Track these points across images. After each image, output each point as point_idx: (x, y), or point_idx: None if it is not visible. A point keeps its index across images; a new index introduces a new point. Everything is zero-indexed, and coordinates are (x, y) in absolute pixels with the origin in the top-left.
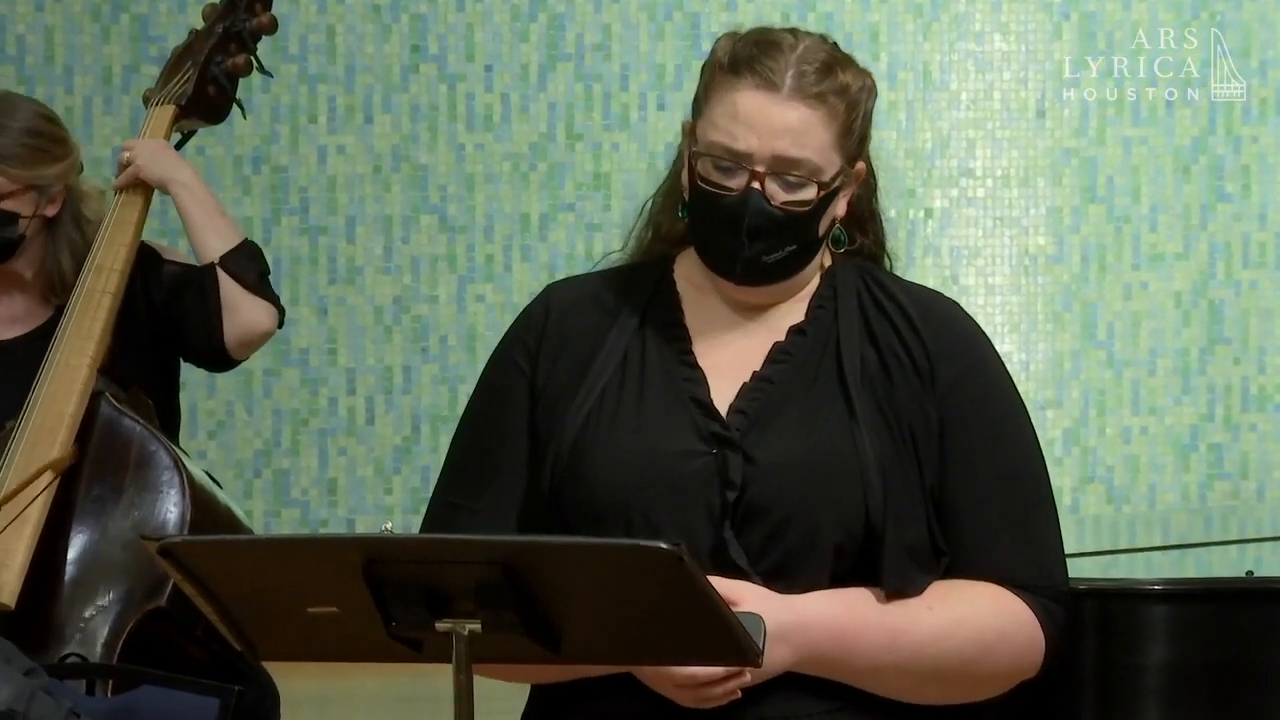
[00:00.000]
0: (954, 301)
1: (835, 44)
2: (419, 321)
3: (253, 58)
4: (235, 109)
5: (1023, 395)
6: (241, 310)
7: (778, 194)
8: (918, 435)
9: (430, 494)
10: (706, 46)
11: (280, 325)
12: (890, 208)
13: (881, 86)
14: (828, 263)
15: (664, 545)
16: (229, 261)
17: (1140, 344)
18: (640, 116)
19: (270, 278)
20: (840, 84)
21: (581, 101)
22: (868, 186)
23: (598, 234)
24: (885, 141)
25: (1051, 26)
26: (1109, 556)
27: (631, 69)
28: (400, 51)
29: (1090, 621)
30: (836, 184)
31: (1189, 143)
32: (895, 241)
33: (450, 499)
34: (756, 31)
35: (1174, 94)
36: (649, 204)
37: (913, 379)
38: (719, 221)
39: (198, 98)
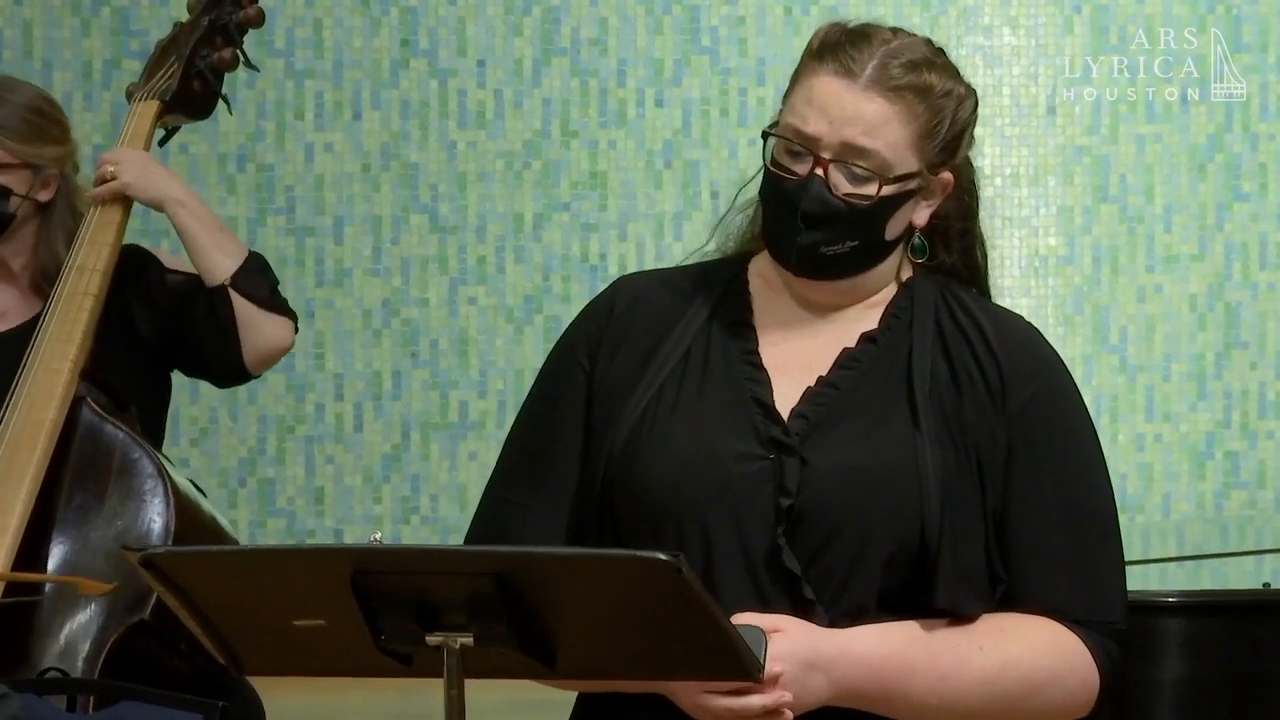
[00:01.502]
0: (1035, 327)
1: (940, 49)
2: (409, 325)
3: (239, 52)
4: (220, 105)
5: None
6: (259, 328)
7: (842, 184)
8: (983, 455)
9: (420, 504)
10: (706, 41)
11: (296, 331)
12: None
13: None
14: (908, 274)
15: (662, 555)
16: (240, 280)
17: (1154, 348)
18: (638, 113)
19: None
20: (924, 83)
21: (577, 97)
22: (961, 203)
23: (594, 234)
24: None
25: (1063, 20)
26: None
27: (629, 64)
28: (390, 46)
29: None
30: (911, 186)
31: (1204, 140)
32: (997, 274)
33: (502, 494)
34: (853, 25)
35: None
36: (740, 194)
37: (983, 397)
38: (780, 205)
39: (182, 93)
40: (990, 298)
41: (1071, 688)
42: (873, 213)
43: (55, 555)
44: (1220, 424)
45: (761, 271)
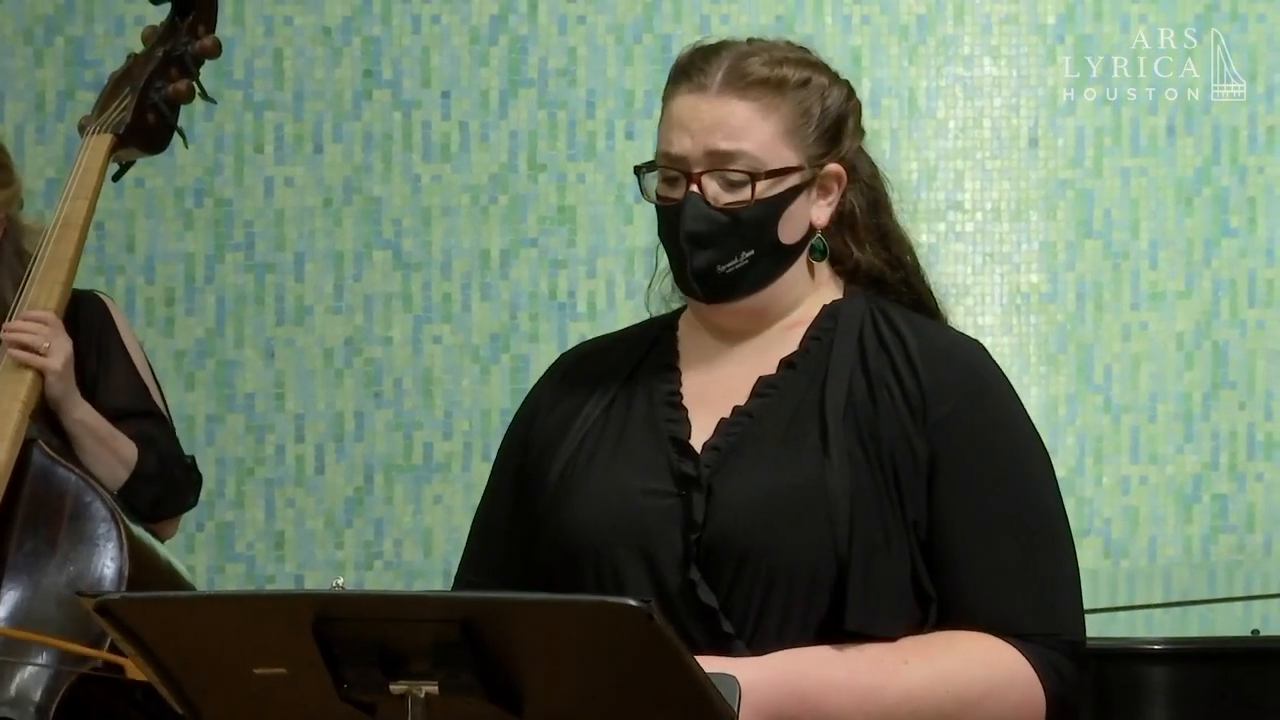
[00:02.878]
0: (968, 338)
1: (801, 47)
2: (372, 364)
3: (195, 83)
4: (176, 138)
5: None
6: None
7: (720, 195)
8: (901, 469)
9: (383, 548)
10: None
11: (197, 497)
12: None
13: (864, 114)
14: (832, 290)
15: (633, 602)
16: (128, 492)
17: (1140, 388)
18: (608, 145)
19: (171, 473)
20: (779, 76)
21: (545, 130)
22: (870, 199)
23: (562, 271)
24: None
25: (1045, 50)
26: (1106, 614)
27: (598, 95)
28: (352, 77)
29: (1087, 683)
30: (793, 182)
31: (1192, 173)
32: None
33: (466, 575)
34: (697, 44)
35: (1177, 122)
36: (658, 258)
37: (901, 410)
38: (668, 236)
39: (136, 126)
40: (934, 300)
41: (1012, 702)
42: (759, 216)
43: (6, 602)
44: (1208, 466)
45: (689, 318)
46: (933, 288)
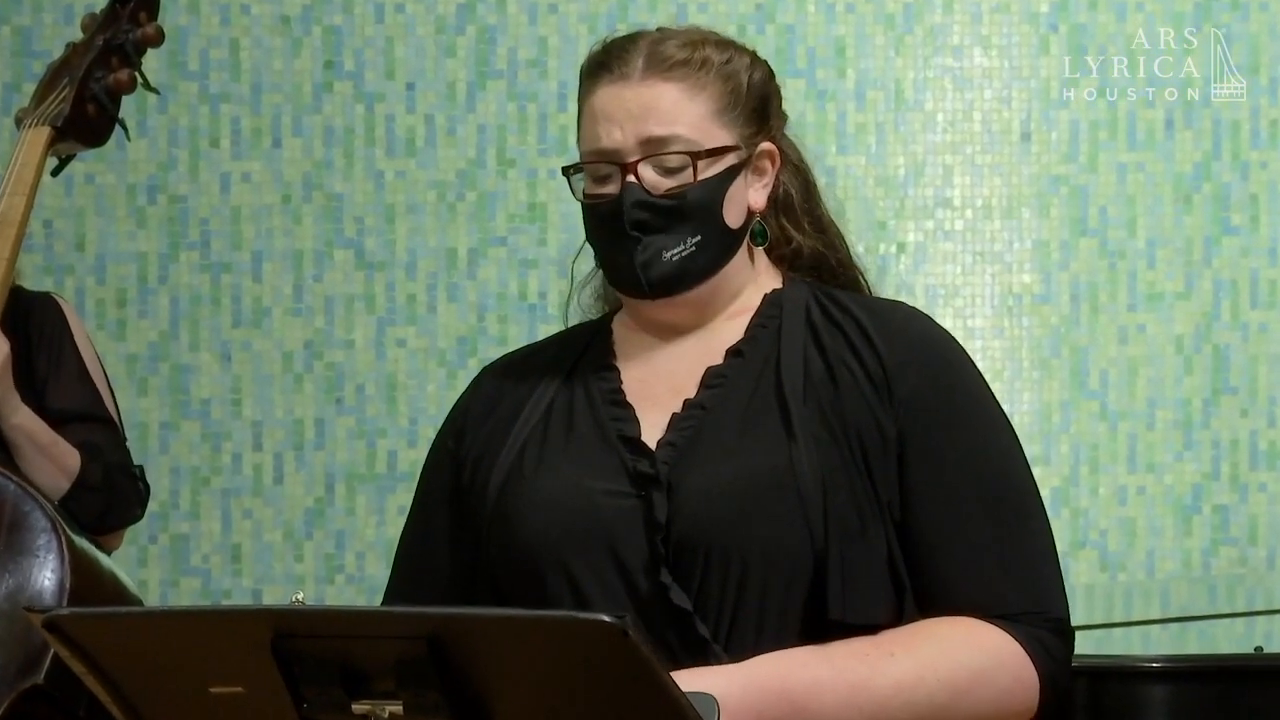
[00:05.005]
0: (919, 310)
1: (712, 31)
2: (333, 369)
3: (137, 73)
4: (118, 131)
5: None
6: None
7: (659, 183)
8: (869, 448)
9: (345, 562)
10: None
11: (144, 509)
12: (859, 241)
13: (849, 107)
14: (771, 279)
15: (606, 618)
16: (71, 502)
17: (1137, 394)
18: None
19: (115, 481)
20: (701, 56)
21: (515, 124)
22: (799, 180)
23: (532, 271)
24: (853, 168)
25: (1038, 40)
26: (1102, 630)
27: (570, 88)
28: (312, 68)
29: (1082, 702)
30: (731, 161)
31: (1191, 169)
32: (859, 255)
33: (392, 601)
34: (608, 38)
35: (1175, 116)
36: (573, 268)
37: (865, 387)
38: (607, 232)
39: (75, 118)
40: (868, 285)
41: (1004, 685)
42: (702, 199)
43: None
44: (1208, 475)
45: (622, 318)
46: (864, 273)
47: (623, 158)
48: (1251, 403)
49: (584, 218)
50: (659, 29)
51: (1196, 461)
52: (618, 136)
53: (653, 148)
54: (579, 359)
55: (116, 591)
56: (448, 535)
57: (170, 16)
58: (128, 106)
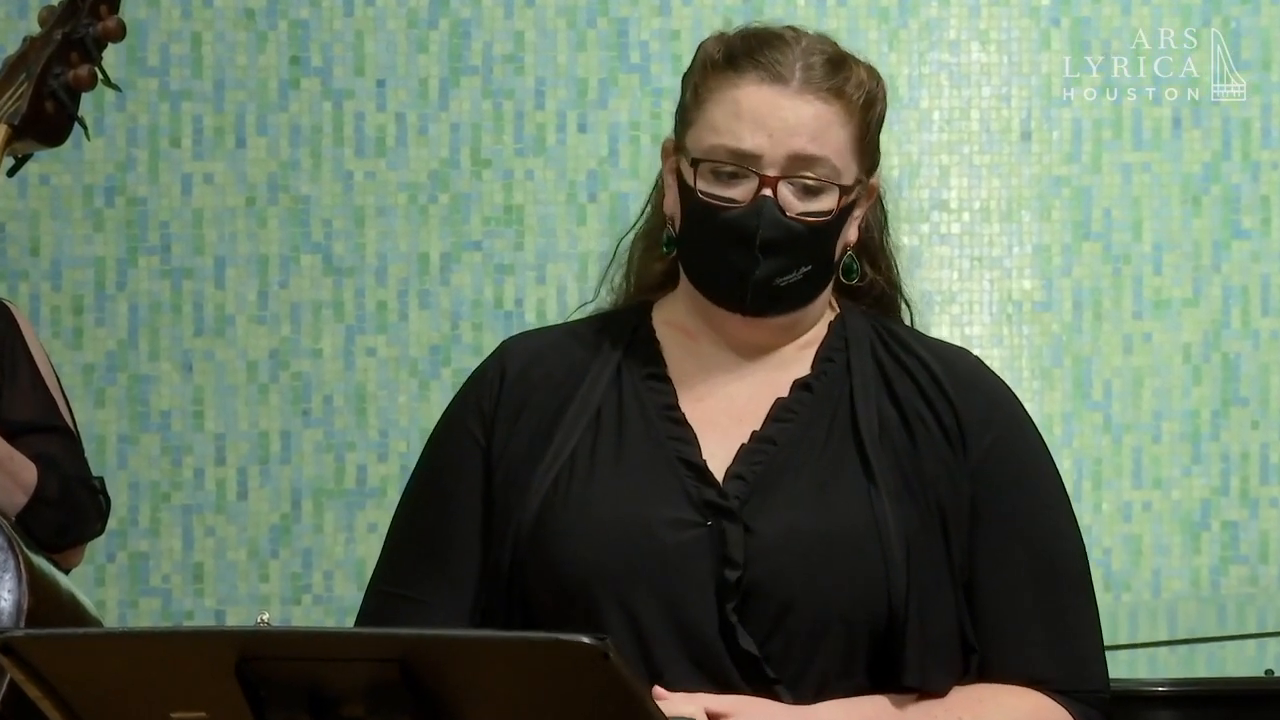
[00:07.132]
0: (977, 357)
1: (839, 45)
2: (299, 379)
3: (97, 69)
4: (78, 129)
5: None
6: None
7: (793, 203)
8: (947, 509)
9: (312, 581)
10: (635, 58)
11: (105, 524)
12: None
13: None
14: (829, 308)
15: (586, 639)
16: (28, 517)
17: (1142, 405)
18: (558, 139)
19: (73, 494)
20: (857, 79)
21: (490, 122)
22: (876, 215)
23: (508, 276)
24: None
25: (1039, 34)
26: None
27: (548, 84)
28: (278, 64)
29: None
30: (855, 196)
31: (1199, 169)
32: (910, 287)
33: (389, 589)
34: (750, 28)
35: (1183, 114)
36: (621, 246)
37: (940, 445)
38: (726, 240)
39: (33, 116)
40: (913, 317)
41: None
42: (828, 231)
43: None
44: (1217, 491)
45: (669, 319)
46: (910, 302)
47: (763, 167)
48: (1263, 414)
49: (694, 213)
50: (791, 29)
51: (1205, 476)
52: (764, 142)
53: (799, 166)
54: (623, 359)
55: (75, 612)
56: (479, 533)
57: (129, 10)
58: (84, 104)
